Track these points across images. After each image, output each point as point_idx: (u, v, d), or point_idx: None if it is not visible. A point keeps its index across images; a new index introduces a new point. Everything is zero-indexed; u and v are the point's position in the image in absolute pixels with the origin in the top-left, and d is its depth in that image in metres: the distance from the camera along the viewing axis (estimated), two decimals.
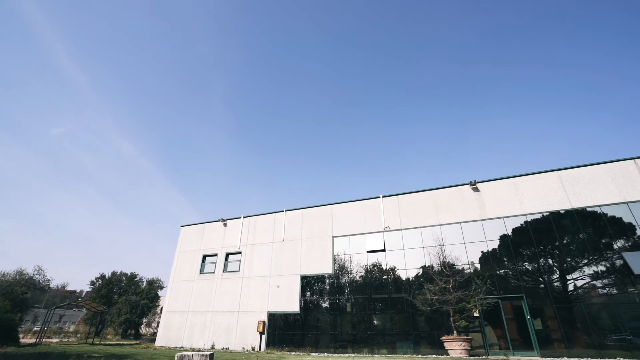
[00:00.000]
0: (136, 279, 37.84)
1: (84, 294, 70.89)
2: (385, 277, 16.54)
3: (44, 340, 22.04)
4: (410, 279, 16.00)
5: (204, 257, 21.77)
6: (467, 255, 15.37)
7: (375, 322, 15.95)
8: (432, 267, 15.48)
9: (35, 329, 36.74)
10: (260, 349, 16.96)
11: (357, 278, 17.08)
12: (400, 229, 17.13)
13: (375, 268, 16.92)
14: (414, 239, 16.61)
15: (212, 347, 17.99)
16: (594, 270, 13.55)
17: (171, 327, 20.16)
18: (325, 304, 17.20)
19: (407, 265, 16.28)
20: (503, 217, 15.51)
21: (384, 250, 16.97)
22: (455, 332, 13.38)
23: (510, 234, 15.18)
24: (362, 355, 14.44)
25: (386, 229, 17.40)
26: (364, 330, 15.89)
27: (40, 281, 37.05)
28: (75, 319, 66.10)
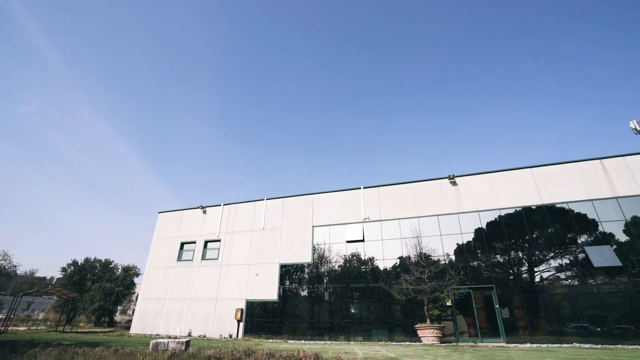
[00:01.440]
0: (111, 265, 36.86)
1: (54, 280, 68.51)
2: (364, 267, 16.86)
3: (10, 328, 21.22)
4: (388, 269, 16.38)
5: (182, 244, 21.43)
6: (442, 247, 15.86)
7: (353, 311, 16.30)
8: (409, 257, 15.88)
9: (0, 316, 35.29)
10: (237, 337, 17.02)
11: (336, 267, 17.33)
12: (380, 220, 17.44)
13: (354, 258, 17.20)
14: (393, 230, 16.96)
15: (189, 335, 17.90)
16: (558, 263, 14.31)
17: (147, 314, 19.85)
18: (304, 293, 17.39)
19: (385, 255, 16.64)
20: (478, 211, 16.05)
21: (363, 240, 17.25)
22: (428, 320, 13.87)
23: (484, 227, 15.75)
24: (338, 342, 14.77)
25: (366, 220, 17.66)
26: (341, 318, 16.21)
27: (6, 267, 35.40)
28: (45, 306, 63.91)
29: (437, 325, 13.55)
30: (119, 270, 36.54)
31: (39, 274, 74.57)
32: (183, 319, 18.81)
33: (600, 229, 14.27)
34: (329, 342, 14.56)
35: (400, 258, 16.28)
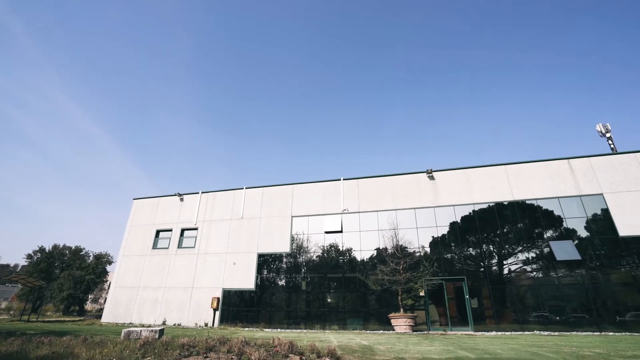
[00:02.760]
0: (82, 253, 35.57)
1: (19, 268, 65.36)
2: (341, 257, 17.11)
3: None
4: (365, 260, 16.71)
5: (158, 232, 20.93)
6: (418, 239, 16.31)
7: (329, 300, 16.57)
8: (385, 249, 16.24)
9: None
10: (213, 325, 16.95)
11: (314, 258, 17.49)
12: (358, 212, 17.68)
13: (332, 248, 17.41)
14: (371, 222, 17.25)
15: (164, 323, 17.65)
16: (525, 257, 15.08)
17: (120, 303, 19.37)
18: (282, 282, 17.48)
19: (363, 246, 16.94)
20: (454, 205, 16.56)
21: (341, 231, 17.46)
22: (402, 310, 14.32)
23: (459, 221, 16.29)
24: (314, 330, 15.01)
25: (344, 211, 17.86)
26: (318, 307, 16.45)
27: None
28: (8, 295, 60.99)
29: (410, 314, 14.01)
30: (91, 258, 35.33)
31: (2, 262, 70.91)
32: (157, 307, 18.50)
33: (564, 224, 15.11)
34: (305, 331, 14.78)
35: (377, 249, 16.62)
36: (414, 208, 16.97)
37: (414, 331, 13.67)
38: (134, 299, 19.19)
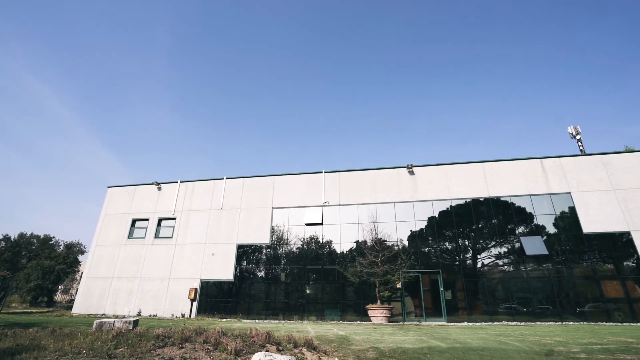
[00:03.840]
0: (51, 242, 34.10)
1: None
2: (321, 249, 17.25)
3: None
4: (344, 252, 16.91)
5: (134, 221, 20.34)
6: (397, 232, 16.65)
7: (308, 292, 16.72)
8: (365, 242, 16.48)
9: None
10: (190, 316, 16.77)
11: (294, 249, 17.54)
12: (339, 205, 17.82)
13: (312, 241, 17.51)
14: (351, 215, 17.44)
15: (139, 314, 17.29)
16: (498, 251, 15.73)
17: (92, 293, 18.78)
18: (261, 273, 17.46)
19: (342, 239, 17.13)
20: (432, 200, 16.98)
21: (321, 224, 17.56)
22: (379, 301, 14.64)
23: (436, 216, 16.73)
24: (292, 321, 15.13)
25: (325, 204, 17.95)
26: (297, 298, 16.57)
27: None
28: None
29: (387, 306, 14.36)
30: (61, 247, 33.94)
31: None
32: (132, 298, 18.08)
33: (535, 221, 15.83)
34: (283, 322, 14.88)
35: (357, 242, 16.85)
36: (394, 202, 17.28)
37: (390, 322, 14.03)
38: (107, 289, 18.66)
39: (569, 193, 15.85)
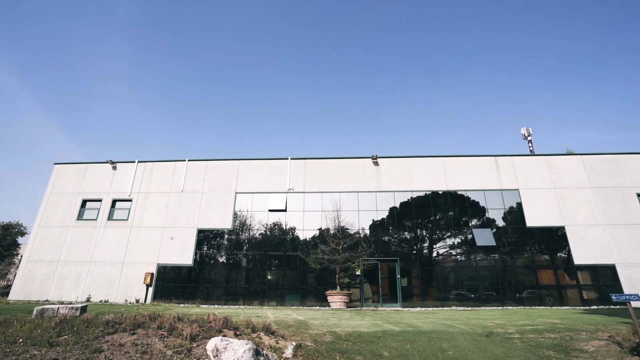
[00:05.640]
0: None
1: None
2: (284, 236, 17.28)
3: None
4: (307, 239, 17.09)
5: (85, 201, 18.95)
6: (359, 221, 17.09)
7: (269, 277, 16.76)
8: (328, 230, 16.75)
9: None
10: (145, 302, 16.16)
11: (257, 235, 17.41)
12: (304, 192, 17.86)
13: (276, 227, 17.47)
14: (315, 203, 17.58)
15: (88, 300, 16.36)
16: (452, 241, 16.74)
17: (34, 278, 17.38)
18: (222, 259, 17.17)
19: (306, 226, 17.26)
20: (394, 191, 17.56)
21: (285, 210, 17.53)
22: (338, 287, 15.05)
23: (397, 206, 17.36)
24: (252, 307, 15.14)
25: (290, 191, 17.91)
26: (258, 284, 16.56)
27: None
28: None
29: (346, 292, 14.82)
30: None
31: None
32: (81, 283, 17.01)
33: (487, 215, 17.00)
34: (243, 307, 14.84)
35: (320, 230, 17.07)
36: (358, 192, 17.65)
37: (348, 307, 14.51)
38: (52, 274, 17.37)
39: (518, 190, 17.16)
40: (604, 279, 15.47)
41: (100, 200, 18.84)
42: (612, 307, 14.14)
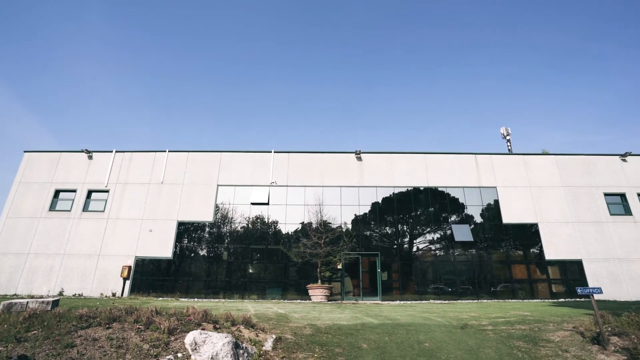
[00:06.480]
0: None
1: None
2: (266, 229, 17.21)
3: None
4: (290, 233, 17.08)
5: (57, 191, 18.17)
6: (341, 216, 17.22)
7: (251, 271, 16.69)
8: (310, 224, 16.79)
9: None
10: (122, 295, 15.77)
11: (239, 228, 17.25)
12: (287, 186, 17.80)
13: (258, 220, 17.36)
14: (298, 197, 17.56)
15: (60, 294, 15.79)
16: (432, 237, 17.15)
17: (1, 272, 16.60)
18: (203, 252, 16.94)
19: (288, 220, 17.24)
20: (376, 187, 17.77)
21: (267, 204, 17.44)
22: (319, 281, 15.17)
23: (379, 201, 17.59)
24: (232, 300, 15.05)
25: (272, 184, 17.80)
26: (239, 278, 16.46)
27: None
28: None
29: (327, 285, 14.95)
30: None
31: None
32: (53, 277, 16.39)
33: (466, 211, 17.49)
34: (224, 300, 14.73)
35: (302, 224, 17.10)
36: (341, 186, 17.74)
37: (329, 301, 14.66)
38: (21, 267, 16.62)
39: (495, 187, 17.72)
40: (572, 273, 16.30)
41: (74, 191, 18.12)
42: (577, 299, 14.94)
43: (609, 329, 6.63)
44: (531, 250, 16.84)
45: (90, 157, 18.84)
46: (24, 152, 19.15)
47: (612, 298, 15.34)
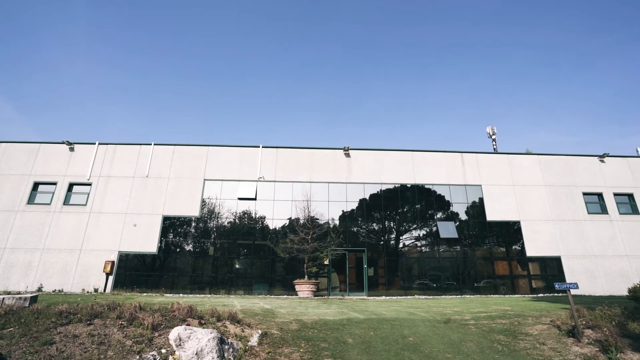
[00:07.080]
0: None
1: None
2: (254, 225, 17.11)
3: None
4: (277, 228, 17.04)
5: (36, 184, 17.57)
6: (329, 212, 17.28)
7: (237, 266, 16.59)
8: (298, 219, 16.78)
9: None
10: (105, 291, 15.44)
11: (226, 223, 17.10)
12: (274, 181, 17.71)
13: (245, 215, 17.24)
14: (286, 192, 17.51)
15: (39, 290, 15.34)
16: (418, 233, 17.41)
17: None
18: (189, 247, 16.73)
19: (275, 215, 17.19)
20: (364, 183, 17.88)
21: (255, 199, 17.32)
22: (306, 276, 15.22)
23: (367, 198, 17.71)
24: (218, 295, 14.95)
25: (260, 179, 17.68)
26: (225, 273, 16.35)
27: None
28: None
29: (314, 281, 15.02)
30: None
31: None
32: (32, 272, 15.89)
33: (451, 208, 17.81)
34: (209, 296, 14.62)
35: (290, 219, 17.07)
36: (329, 182, 17.78)
37: (315, 296, 14.74)
38: None
39: (480, 185, 18.09)
40: (551, 269, 16.85)
41: (55, 184, 17.56)
42: (556, 294, 15.47)
43: (584, 323, 6.90)
44: (513, 247, 17.31)
45: (71, 149, 18.27)
46: (0, 142, 18.42)
47: (588, 293, 15.95)
